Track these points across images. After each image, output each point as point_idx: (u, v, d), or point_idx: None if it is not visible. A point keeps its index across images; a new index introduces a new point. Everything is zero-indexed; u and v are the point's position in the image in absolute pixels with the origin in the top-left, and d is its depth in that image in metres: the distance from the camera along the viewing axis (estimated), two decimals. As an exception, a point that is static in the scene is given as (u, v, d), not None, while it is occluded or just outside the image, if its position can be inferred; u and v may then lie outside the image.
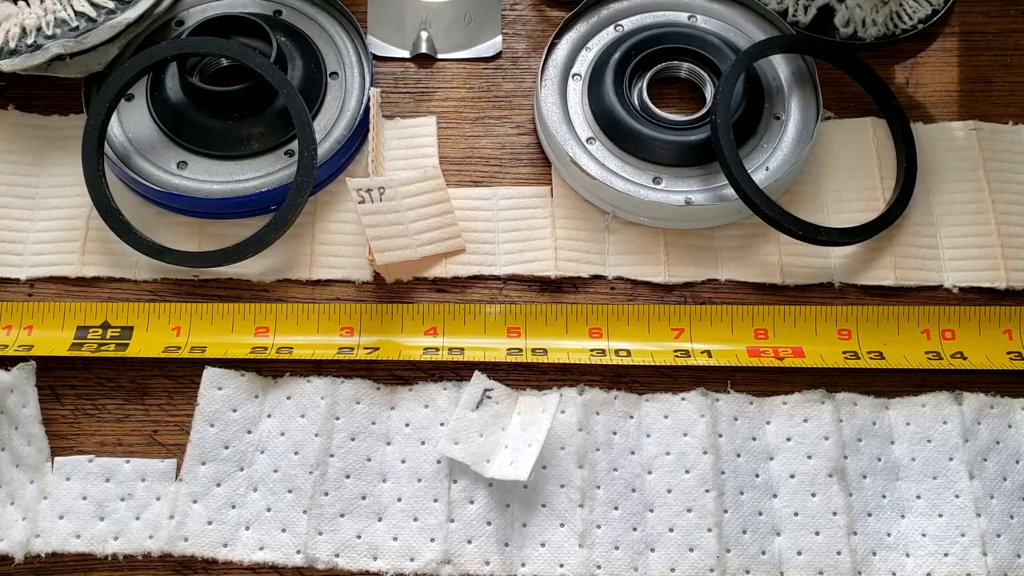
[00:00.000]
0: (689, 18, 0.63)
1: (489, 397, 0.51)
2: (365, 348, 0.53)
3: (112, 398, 0.53)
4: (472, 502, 0.50)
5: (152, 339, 0.53)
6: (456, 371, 0.54)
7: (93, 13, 0.57)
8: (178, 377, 0.53)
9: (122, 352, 0.53)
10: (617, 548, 0.49)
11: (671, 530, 0.49)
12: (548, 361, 0.53)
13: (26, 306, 0.55)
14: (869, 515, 0.50)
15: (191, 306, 0.55)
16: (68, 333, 0.54)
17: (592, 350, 0.53)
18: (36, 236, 0.57)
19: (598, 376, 0.53)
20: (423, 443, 0.51)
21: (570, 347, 0.54)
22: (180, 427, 0.52)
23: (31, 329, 0.54)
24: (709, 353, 0.53)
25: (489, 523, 0.49)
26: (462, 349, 0.53)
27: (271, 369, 0.53)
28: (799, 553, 0.49)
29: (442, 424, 0.51)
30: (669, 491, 0.50)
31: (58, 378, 0.53)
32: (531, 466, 0.48)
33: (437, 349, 0.53)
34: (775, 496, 0.51)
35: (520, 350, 0.53)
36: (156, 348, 0.53)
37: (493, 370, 0.53)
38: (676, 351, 0.53)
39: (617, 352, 0.53)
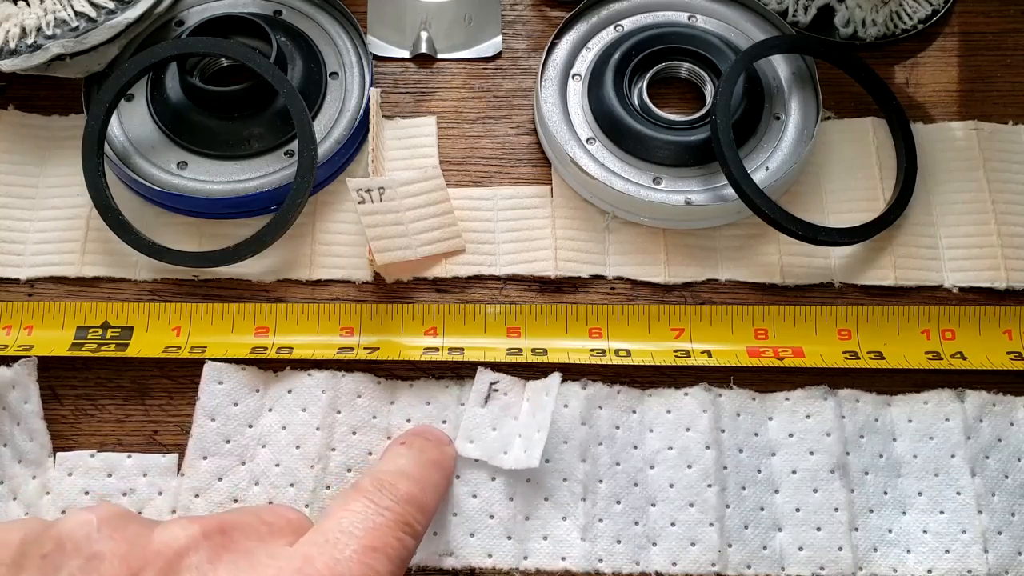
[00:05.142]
0: (689, 18, 0.63)
1: (496, 390, 0.51)
2: (365, 348, 0.53)
3: (112, 398, 0.53)
4: (475, 496, 0.50)
5: (152, 339, 0.53)
6: (456, 371, 0.53)
7: (93, 13, 0.57)
8: (178, 377, 0.53)
9: (122, 352, 0.53)
10: (619, 542, 0.49)
11: (673, 524, 0.49)
12: (548, 361, 0.53)
13: (26, 306, 0.54)
14: (870, 511, 0.50)
15: (191, 306, 0.54)
16: (68, 333, 0.54)
17: (592, 350, 0.53)
18: (36, 236, 0.57)
19: (598, 376, 0.53)
20: (424, 438, 0.51)
21: (570, 347, 0.54)
22: (180, 427, 0.52)
23: (31, 329, 0.54)
24: (709, 353, 0.53)
25: (492, 516, 0.49)
26: (462, 349, 0.53)
27: (271, 367, 0.53)
28: (800, 548, 0.49)
29: (444, 421, 0.51)
30: (671, 486, 0.50)
31: (58, 378, 0.53)
32: (540, 452, 0.48)
33: (437, 349, 0.53)
34: (777, 492, 0.51)
35: (520, 350, 0.53)
36: (156, 348, 0.53)
37: (493, 370, 0.52)
38: (676, 351, 0.53)
39: (617, 352, 0.53)
